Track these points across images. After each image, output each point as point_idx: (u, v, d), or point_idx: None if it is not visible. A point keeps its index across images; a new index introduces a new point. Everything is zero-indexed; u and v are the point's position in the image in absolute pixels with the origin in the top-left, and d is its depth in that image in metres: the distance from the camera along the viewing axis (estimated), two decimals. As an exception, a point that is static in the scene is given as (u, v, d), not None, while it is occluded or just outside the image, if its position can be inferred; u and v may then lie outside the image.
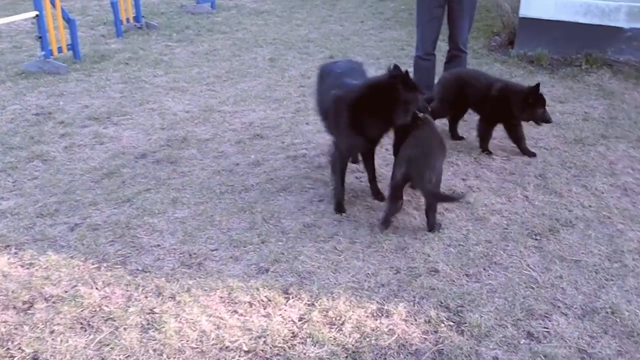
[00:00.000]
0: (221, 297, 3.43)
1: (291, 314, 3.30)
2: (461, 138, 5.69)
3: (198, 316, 3.27)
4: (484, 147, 5.43)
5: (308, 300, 3.40)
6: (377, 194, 4.55)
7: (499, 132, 5.48)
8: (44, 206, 4.41)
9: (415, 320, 3.26)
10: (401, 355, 3.01)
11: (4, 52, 8.66)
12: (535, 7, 8.54)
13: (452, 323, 3.25)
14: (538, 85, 5.06)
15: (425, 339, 3.13)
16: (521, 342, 3.11)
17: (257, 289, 3.48)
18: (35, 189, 4.66)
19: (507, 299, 3.44)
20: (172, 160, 5.18)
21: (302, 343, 3.08)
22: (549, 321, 3.28)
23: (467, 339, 3.12)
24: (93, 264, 3.73)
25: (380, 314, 3.31)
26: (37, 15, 7.54)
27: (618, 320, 3.29)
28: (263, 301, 3.39)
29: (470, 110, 5.73)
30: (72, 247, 3.91)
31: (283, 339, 3.10)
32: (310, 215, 4.31)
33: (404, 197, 4.47)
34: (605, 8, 8.19)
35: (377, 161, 4.68)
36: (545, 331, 3.20)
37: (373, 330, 3.18)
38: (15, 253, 3.85)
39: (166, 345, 3.05)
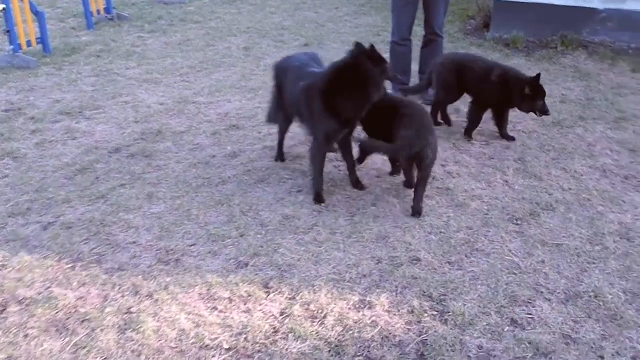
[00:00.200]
0: (200, 294, 3.35)
1: (272, 309, 3.23)
2: (439, 124, 5.63)
3: (177, 314, 3.19)
4: (470, 134, 5.38)
5: (289, 294, 3.34)
6: (356, 183, 4.49)
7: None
8: (15, 205, 4.29)
9: (399, 311, 3.22)
10: (385, 348, 2.97)
11: (-29, 48, 8.45)
12: (511, -10, 8.53)
13: (435, 313, 3.21)
14: (539, 75, 4.99)
15: (409, 329, 3.09)
16: (505, 330, 3.08)
17: (237, 284, 3.41)
18: (6, 188, 4.53)
19: (490, 286, 3.41)
20: (147, 154, 5.07)
21: (284, 338, 3.02)
22: (533, 307, 3.25)
23: (451, 329, 3.08)
24: (67, 264, 3.63)
25: (362, 306, 3.26)
26: (4, 9, 7.35)
27: (601, 303, 3.28)
28: (243, 297, 3.33)
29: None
30: (45, 247, 3.80)
31: (264, 335, 3.04)
32: (289, 206, 4.24)
33: (384, 185, 4.45)
34: (580, -11, 8.21)
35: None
36: (529, 317, 3.17)
37: (356, 322, 3.13)
38: (-13, 255, 3.75)
39: (145, 345, 2.97)
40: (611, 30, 8.24)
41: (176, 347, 2.97)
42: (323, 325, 3.10)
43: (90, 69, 7.42)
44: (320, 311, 3.21)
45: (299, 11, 10.74)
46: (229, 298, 3.32)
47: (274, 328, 3.09)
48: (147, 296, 3.34)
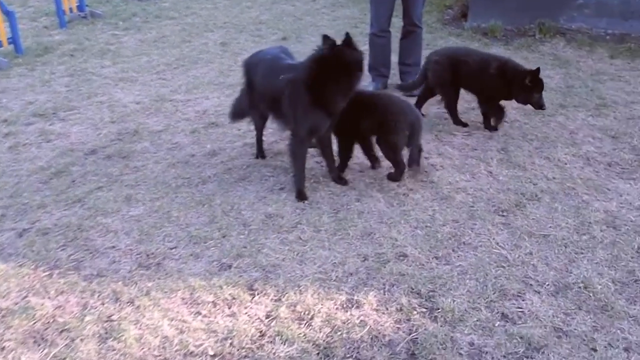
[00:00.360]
0: (183, 299, 3.26)
1: (257, 311, 3.15)
2: (466, 125, 5.44)
3: (159, 321, 3.09)
4: (489, 126, 5.29)
5: (274, 296, 3.26)
6: (338, 179, 4.42)
7: (460, 107, 5.41)
8: (-11, 212, 4.16)
9: (387, 309, 3.15)
10: (375, 348, 2.90)
11: (-61, 50, 8.23)
12: (487, -22, 8.50)
13: (424, 309, 3.14)
14: (538, 69, 4.92)
15: (399, 328, 3.02)
16: (496, 325, 3.03)
17: (221, 287, 3.32)
18: (-21, 194, 4.40)
19: (478, 280, 3.36)
20: (124, 155, 4.95)
21: (271, 342, 2.94)
22: (523, 300, 3.20)
23: (441, 326, 3.02)
24: (44, 272, 3.51)
25: (350, 305, 3.19)
26: (-28, 9, 7.17)
27: (591, 294, 3.23)
28: (227, 300, 3.24)
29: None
30: (21, 255, 3.67)
31: (251, 339, 2.96)
32: (271, 204, 4.15)
33: (367, 180, 4.39)
34: (556, -24, 8.20)
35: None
36: (520, 311, 3.12)
37: (344, 323, 3.06)
38: (-40, 265, 3.62)
39: (127, 355, 2.88)
40: (588, 16, 8.25)
41: (159, 355, 2.88)
42: (310, 327, 3.03)
43: (64, 68, 7.25)
44: (307, 312, 3.13)
45: (276, 4, 10.62)
46: (212, 302, 3.23)
47: (260, 331, 3.01)
48: (128, 302, 3.24)
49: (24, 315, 3.14)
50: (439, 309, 3.13)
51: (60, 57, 7.72)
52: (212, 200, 4.22)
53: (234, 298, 3.25)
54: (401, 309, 3.14)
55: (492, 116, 5.28)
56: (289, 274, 3.43)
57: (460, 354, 2.86)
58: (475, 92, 5.35)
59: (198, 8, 10.45)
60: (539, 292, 3.26)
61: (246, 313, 3.14)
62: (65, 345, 2.94)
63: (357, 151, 4.74)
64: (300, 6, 10.46)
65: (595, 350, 2.87)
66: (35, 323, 3.10)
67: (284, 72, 4.18)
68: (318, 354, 2.86)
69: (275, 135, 5.12)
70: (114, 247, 3.74)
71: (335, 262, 3.53)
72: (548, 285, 3.32)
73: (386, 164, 4.53)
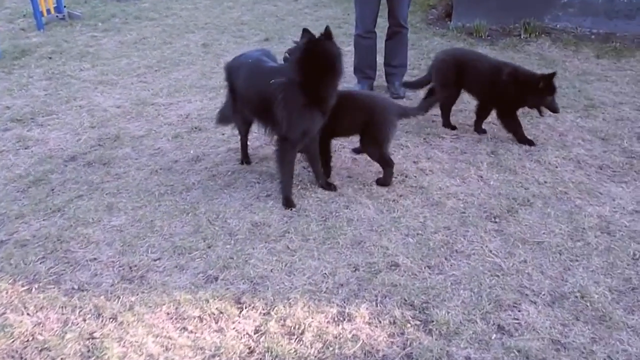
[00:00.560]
0: (168, 314, 3.13)
1: (246, 326, 3.03)
2: (454, 127, 5.34)
3: (143, 337, 2.96)
4: (522, 139, 5.04)
5: (263, 309, 3.14)
6: (326, 185, 4.31)
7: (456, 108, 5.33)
8: (-36, 223, 4.00)
9: (380, 322, 3.05)
10: (368, 364, 2.80)
11: None
12: (471, -23, 8.44)
13: (418, 322, 3.05)
14: (554, 74, 4.78)
15: (392, 342, 2.92)
16: (492, 338, 2.94)
17: (207, 301, 3.20)
18: (-46, 204, 4.24)
19: (473, 290, 3.27)
20: (105, 161, 4.80)
21: (261, 359, 2.83)
22: (519, 311, 3.11)
23: (436, 339, 2.92)
24: (23, 286, 3.37)
25: (341, 319, 3.08)
26: (-55, 11, 6.96)
27: (588, 304, 3.16)
28: (214, 314, 3.12)
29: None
30: (-3, 269, 3.53)
31: (239, 356, 2.84)
32: (258, 212, 4.03)
33: (356, 186, 4.30)
34: (541, -25, 8.17)
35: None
36: (516, 323, 3.03)
37: (335, 337, 2.95)
38: None
39: (110, 375, 2.75)
40: (572, 15, 8.23)
41: (144, 375, 2.76)
42: (301, 342, 2.92)
43: (42, 71, 7.05)
44: (297, 326, 3.02)
45: (258, 4, 10.48)
46: (199, 316, 3.10)
47: (249, 348, 2.90)
48: (110, 318, 3.10)
49: (2, 334, 2.99)
50: (433, 321, 3.04)
51: (38, 60, 7.51)
52: (196, 208, 4.09)
53: (221, 312, 3.12)
54: (394, 322, 3.04)
55: (516, 127, 5.07)
56: (277, 286, 3.32)
57: (457, 369, 2.77)
58: (480, 97, 5.20)
59: (178, 9, 10.29)
60: (535, 303, 3.18)
61: (234, 328, 3.02)
62: (45, 365, 2.81)
63: (345, 156, 4.65)
64: (283, 6, 10.34)
65: (595, 363, 2.80)
66: (13, 341, 2.96)
67: (267, 76, 4.05)
68: (310, 371, 2.76)
69: (260, 140, 5.00)
70: (95, 259, 3.59)
71: (325, 273, 3.42)
72: (544, 294, 3.24)
73: (375, 168, 4.43)
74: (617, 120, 5.47)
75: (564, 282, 3.33)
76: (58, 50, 7.88)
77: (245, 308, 3.15)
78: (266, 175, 4.50)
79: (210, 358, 2.84)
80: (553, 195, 4.21)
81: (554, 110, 4.93)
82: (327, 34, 3.91)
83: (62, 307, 3.20)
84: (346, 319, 3.07)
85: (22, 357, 2.87)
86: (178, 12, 10.03)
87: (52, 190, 4.39)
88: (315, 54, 3.89)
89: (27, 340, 2.97)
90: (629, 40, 7.75)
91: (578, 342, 2.91)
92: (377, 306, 3.16)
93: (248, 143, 4.74)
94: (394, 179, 4.37)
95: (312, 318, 3.07)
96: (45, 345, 2.93)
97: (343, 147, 4.86)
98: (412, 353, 2.85)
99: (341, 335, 2.96)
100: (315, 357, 2.83)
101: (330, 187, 4.30)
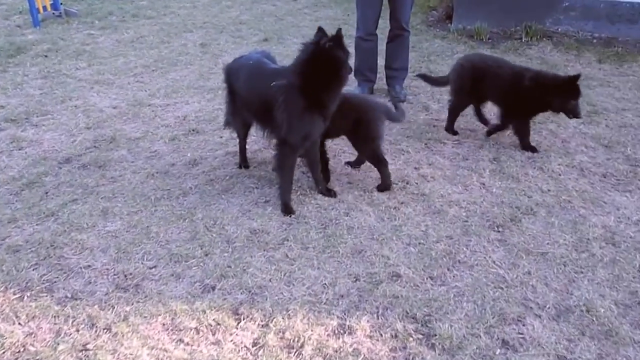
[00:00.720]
0: (164, 324, 3.05)
1: (243, 338, 2.95)
2: (456, 133, 5.25)
3: (138, 350, 2.88)
4: (527, 145, 4.95)
5: (261, 321, 3.06)
6: (326, 191, 4.23)
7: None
8: (-45, 227, 3.91)
9: (381, 335, 2.97)
10: (370, 380, 2.72)
11: None
12: (472, -21, 8.37)
13: (421, 336, 2.97)
14: (579, 76, 4.67)
15: (394, 357, 2.84)
16: (497, 353, 2.86)
17: (204, 312, 3.11)
18: (-55, 207, 4.14)
19: (476, 303, 3.19)
20: (100, 164, 4.70)
21: (259, 374, 2.76)
22: (523, 325, 3.04)
23: (439, 354, 2.85)
24: (15, 294, 3.28)
25: (342, 331, 3.00)
26: (-60, 8, 6.85)
27: (594, 318, 3.08)
28: (211, 325, 3.03)
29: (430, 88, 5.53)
30: (-11, 275, 3.44)
31: (237, 371, 2.77)
32: (256, 219, 3.95)
33: (356, 192, 4.22)
34: (542, -22, 8.10)
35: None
36: (521, 337, 2.96)
37: (336, 351, 2.87)
38: None
39: (103, 390, 2.67)
40: (574, 19, 8.16)
41: (139, 390, 2.68)
42: (300, 356, 2.84)
43: (37, 70, 6.96)
44: (296, 339, 2.94)
45: (256, 4, 10.39)
46: (195, 328, 3.02)
47: (247, 362, 2.82)
48: (104, 329, 3.02)
49: (-8, 344, 2.91)
50: (436, 335, 2.96)
51: (34, 58, 7.41)
52: (193, 214, 4.00)
53: (218, 324, 3.04)
54: (396, 336, 2.97)
55: (524, 135, 4.98)
56: (276, 297, 3.24)
57: (461, 386, 2.70)
58: (501, 104, 5.04)
59: (176, 7, 10.19)
60: (539, 316, 3.10)
61: (231, 340, 2.94)
62: (36, 379, 2.73)
63: (345, 162, 4.58)
64: (282, 6, 10.25)
65: (602, 380, 2.73)
66: (4, 352, 2.87)
67: (268, 78, 3.97)
68: (310, 387, 2.68)
69: (259, 143, 4.92)
70: (89, 266, 3.51)
71: (325, 283, 3.34)
72: (549, 308, 3.16)
73: (375, 174, 4.35)
74: (620, 127, 5.39)
75: (569, 295, 3.26)
76: (54, 48, 7.77)
77: (243, 319, 3.07)
78: (265, 180, 4.42)
79: (207, 372, 2.76)
80: (557, 204, 4.13)
81: (576, 115, 4.81)
82: (337, 38, 3.83)
83: (54, 316, 3.11)
84: (347, 332, 2.99)
85: (12, 369, 2.79)
86: (176, 11, 9.93)
87: (46, 193, 4.30)
88: (320, 59, 3.81)
89: (19, 352, 2.89)
90: (631, 44, 7.68)
91: (584, 358, 2.84)
92: (378, 319, 3.08)
93: (247, 147, 4.65)
94: (395, 185, 4.29)
95: (312, 330, 2.99)
96: (37, 357, 2.85)
97: (343, 152, 4.78)
98: (414, 369, 2.77)
99: (342, 349, 2.88)
100: (315, 372, 2.75)
101: (330, 193, 4.22)
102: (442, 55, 7.42)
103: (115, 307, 3.16)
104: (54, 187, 4.38)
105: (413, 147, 4.95)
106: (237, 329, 3.01)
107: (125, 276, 3.41)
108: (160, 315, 3.10)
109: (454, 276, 3.41)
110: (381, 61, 6.22)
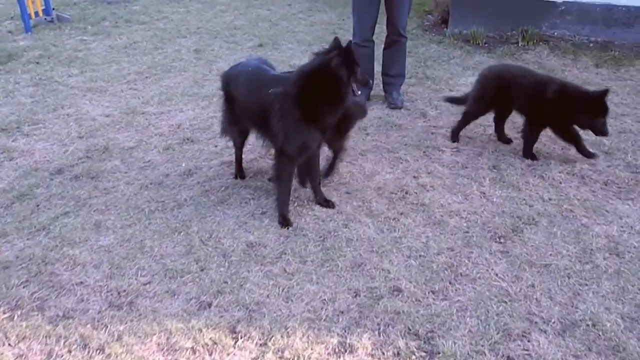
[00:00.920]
0: (159, 344, 2.96)
1: (241, 358, 2.86)
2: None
3: (133, 371, 2.80)
4: (528, 152, 4.86)
5: (259, 339, 2.97)
6: (325, 202, 4.15)
7: (449, 121, 5.17)
8: (-57, 242, 3.80)
9: (383, 354, 2.89)
10: (372, 402, 2.64)
11: None
12: (468, -17, 8.31)
13: (424, 354, 2.89)
14: (607, 91, 4.49)
15: (397, 377, 2.76)
16: (502, 371, 2.79)
17: (200, 330, 3.03)
18: None
19: (479, 318, 3.11)
20: (93, 175, 4.61)
21: (257, 396, 2.67)
22: (528, 341, 2.96)
23: (443, 373, 2.77)
24: (4, 313, 3.18)
25: (343, 350, 2.91)
26: None
27: (600, 333, 3.01)
28: (208, 345, 2.94)
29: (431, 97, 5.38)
30: (-22, 293, 3.34)
31: (235, 393, 2.68)
32: (253, 232, 3.86)
33: (355, 203, 4.13)
34: (539, -18, 8.04)
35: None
36: (526, 354, 2.88)
37: (337, 371, 2.79)
38: None
39: (96, 415, 2.58)
40: (570, 23, 8.11)
41: (133, 415, 2.59)
42: (300, 377, 2.76)
43: (29, 77, 6.85)
44: (296, 359, 2.85)
45: (251, 8, 10.31)
46: (191, 348, 2.93)
47: (245, 383, 2.73)
48: (97, 350, 2.92)
49: (-19, 367, 2.82)
50: (439, 352, 2.88)
51: (25, 64, 7.31)
52: (188, 227, 3.91)
53: (215, 343, 2.95)
54: (399, 354, 2.88)
55: (530, 141, 4.88)
56: (274, 314, 3.15)
57: (466, 407, 2.62)
58: (527, 114, 4.90)
59: (170, 12, 10.10)
60: (545, 332, 3.02)
61: (229, 361, 2.85)
62: (27, 404, 2.63)
63: (343, 172, 4.49)
64: (276, 10, 10.17)
65: (611, 400, 2.65)
66: (-7, 375, 2.79)
67: (268, 84, 3.88)
68: (310, 410, 2.60)
69: (255, 152, 4.83)
70: (81, 282, 3.41)
71: (324, 299, 3.25)
72: (554, 322, 3.08)
73: (374, 184, 4.27)
74: (620, 132, 5.33)
75: (575, 308, 3.19)
76: (46, 55, 7.67)
77: (241, 338, 2.98)
78: (261, 191, 4.33)
79: (204, 395, 2.67)
80: (558, 214, 4.06)
81: (604, 133, 4.65)
82: (348, 52, 3.70)
83: (46, 336, 3.02)
84: (347, 350, 2.91)
85: (2, 393, 2.69)
86: (169, 16, 9.84)
87: (37, 206, 4.20)
88: (322, 75, 3.71)
89: (9, 374, 2.79)
90: (628, 48, 7.63)
91: (592, 376, 2.77)
92: (379, 336, 3.00)
93: (242, 156, 4.57)
94: (394, 195, 4.24)
95: (312, 349, 2.91)
96: (28, 380, 2.76)
97: (340, 161, 4.69)
98: (418, 389, 2.69)
99: (343, 369, 2.80)
100: (316, 393, 2.67)
101: (328, 204, 4.14)
102: (438, 60, 7.35)
103: (109, 326, 3.07)
104: (45, 199, 4.28)
105: (411, 155, 4.87)
106: (234, 348, 2.93)
107: (119, 293, 3.32)
108: (155, 334, 3.01)
109: (456, 290, 3.33)
110: (378, 67, 6.14)
